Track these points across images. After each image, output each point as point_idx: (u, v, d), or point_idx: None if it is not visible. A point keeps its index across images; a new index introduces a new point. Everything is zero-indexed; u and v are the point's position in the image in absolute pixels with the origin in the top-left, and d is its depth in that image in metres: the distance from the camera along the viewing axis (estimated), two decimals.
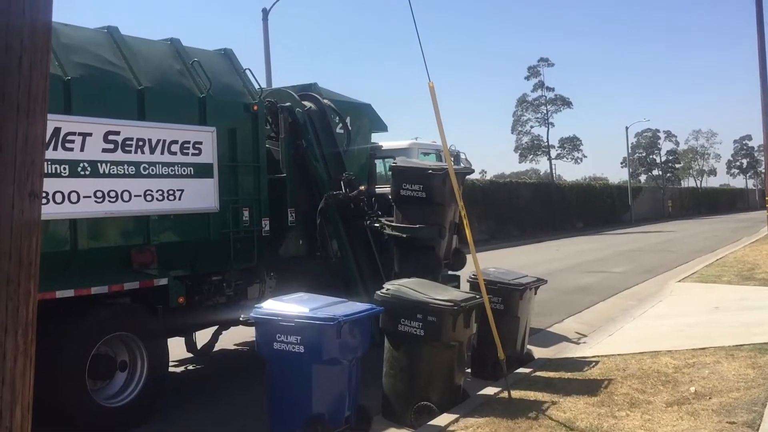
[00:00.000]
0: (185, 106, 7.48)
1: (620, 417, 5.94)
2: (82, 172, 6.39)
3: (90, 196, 6.44)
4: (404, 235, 8.33)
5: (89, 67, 6.72)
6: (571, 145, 61.73)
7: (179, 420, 6.98)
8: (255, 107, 8.21)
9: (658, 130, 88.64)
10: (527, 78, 56.58)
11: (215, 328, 8.77)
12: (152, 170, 6.96)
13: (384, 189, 9.29)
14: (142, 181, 6.87)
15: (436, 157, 12.86)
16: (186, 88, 7.58)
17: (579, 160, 62.42)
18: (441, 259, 8.56)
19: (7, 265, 2.27)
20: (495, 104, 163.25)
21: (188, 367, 9.19)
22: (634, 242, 30.68)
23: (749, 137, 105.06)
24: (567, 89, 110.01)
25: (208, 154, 7.49)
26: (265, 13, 25.68)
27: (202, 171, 7.43)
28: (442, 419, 6.08)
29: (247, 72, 8.52)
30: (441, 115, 6.68)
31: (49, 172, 5.99)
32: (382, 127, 10.53)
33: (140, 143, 6.86)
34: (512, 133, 59.15)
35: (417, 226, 8.23)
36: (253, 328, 5.86)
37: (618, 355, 8.23)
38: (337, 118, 9.34)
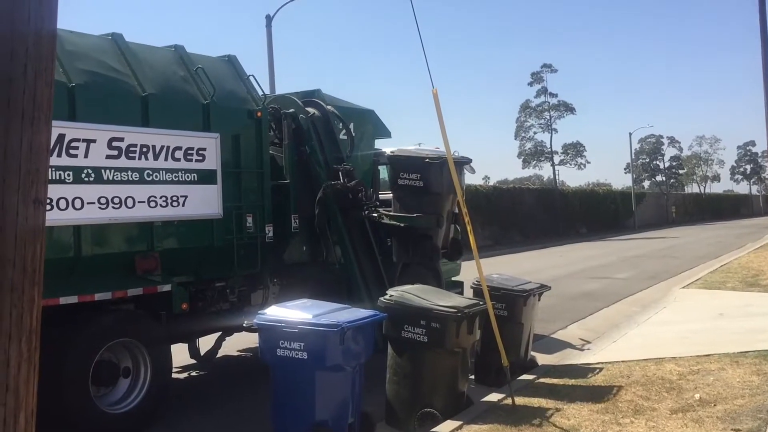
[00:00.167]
0: (189, 112, 7.51)
1: (624, 424, 5.92)
2: (86, 179, 6.40)
3: (94, 203, 6.45)
4: (402, 224, 8.39)
5: (94, 74, 6.75)
6: (575, 151, 61.88)
7: (182, 426, 6.98)
8: (258, 114, 8.22)
9: (661, 136, 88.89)
10: (530, 84, 56.87)
11: (218, 334, 8.78)
12: (156, 176, 6.97)
13: (388, 196, 9.31)
14: (146, 188, 6.88)
15: None
16: (190, 95, 7.60)
17: (582, 166, 62.72)
18: (439, 248, 8.63)
19: (11, 273, 2.27)
20: (498, 110, 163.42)
21: (191, 374, 9.19)
22: (637, 248, 30.62)
23: (753, 143, 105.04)
24: (570, 95, 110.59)
25: (212, 161, 7.50)
26: (269, 19, 25.75)
27: (205, 177, 7.44)
28: (446, 426, 6.06)
29: (251, 78, 8.55)
30: (444, 120, 6.70)
31: (54, 178, 6.01)
32: (385, 133, 10.55)
33: (144, 150, 6.87)
34: (515, 138, 59.47)
35: (415, 215, 8.29)
36: (257, 334, 5.86)
37: (622, 361, 8.21)
38: (341, 124, 9.36)
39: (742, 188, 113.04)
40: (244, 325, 6.43)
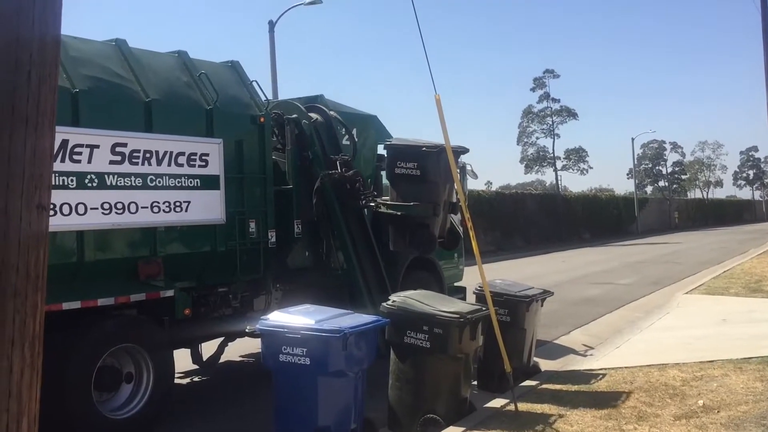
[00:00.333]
0: (192, 118, 7.52)
1: (628, 430, 5.90)
2: (90, 184, 6.41)
3: (97, 208, 6.46)
4: (398, 213, 8.40)
5: (97, 80, 6.77)
6: (577, 156, 61.77)
7: None
8: (262, 119, 8.24)
9: (663, 141, 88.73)
10: (533, 89, 56.77)
11: (221, 339, 8.76)
12: (159, 182, 6.99)
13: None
14: (149, 193, 6.89)
15: None
16: (193, 101, 7.62)
17: (585, 171, 62.48)
18: (435, 236, 8.63)
19: (14, 278, 2.27)
20: (500, 115, 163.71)
21: (194, 379, 9.18)
22: (640, 254, 30.57)
23: (755, 148, 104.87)
24: (572, 100, 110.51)
25: (215, 166, 7.51)
26: (272, 25, 25.79)
27: (208, 183, 7.45)
28: None
29: (254, 84, 8.57)
30: (447, 125, 6.71)
31: (57, 184, 6.01)
32: (387, 139, 10.55)
33: (147, 155, 6.89)
34: (518, 144, 59.28)
35: (411, 203, 8.30)
36: (259, 339, 5.85)
37: (625, 367, 8.19)
38: (344, 129, 9.37)
39: (745, 194, 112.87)
40: (247, 330, 6.41)
